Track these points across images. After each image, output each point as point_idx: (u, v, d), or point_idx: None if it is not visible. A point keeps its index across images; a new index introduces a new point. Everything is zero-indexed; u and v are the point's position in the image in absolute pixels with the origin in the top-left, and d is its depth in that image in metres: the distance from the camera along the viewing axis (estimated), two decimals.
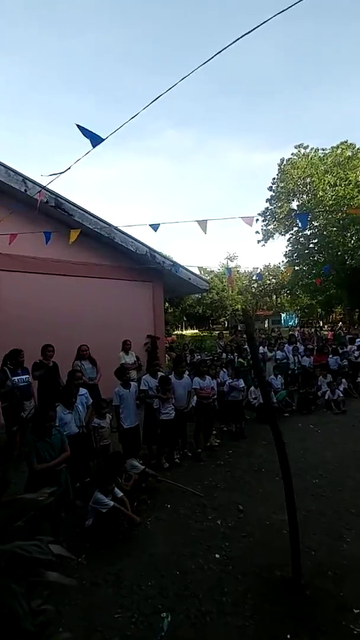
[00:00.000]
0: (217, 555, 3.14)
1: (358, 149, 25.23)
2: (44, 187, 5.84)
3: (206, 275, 42.84)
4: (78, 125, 2.95)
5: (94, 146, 3.03)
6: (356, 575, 2.83)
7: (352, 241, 24.11)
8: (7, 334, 6.46)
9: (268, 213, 28.50)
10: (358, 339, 11.43)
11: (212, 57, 2.66)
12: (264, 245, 30.05)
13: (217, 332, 17.89)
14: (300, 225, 27.00)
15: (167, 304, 38.26)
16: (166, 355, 9.86)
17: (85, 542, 3.34)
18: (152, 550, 3.25)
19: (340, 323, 24.80)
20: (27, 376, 5.23)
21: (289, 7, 2.32)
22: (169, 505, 3.99)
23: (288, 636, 2.33)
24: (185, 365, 5.96)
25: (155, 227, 4.94)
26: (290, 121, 69.11)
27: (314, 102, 64.06)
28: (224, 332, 16.12)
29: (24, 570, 1.30)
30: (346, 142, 25.52)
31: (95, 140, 3.03)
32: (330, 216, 23.45)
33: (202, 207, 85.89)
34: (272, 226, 28.56)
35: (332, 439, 5.85)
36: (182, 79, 2.85)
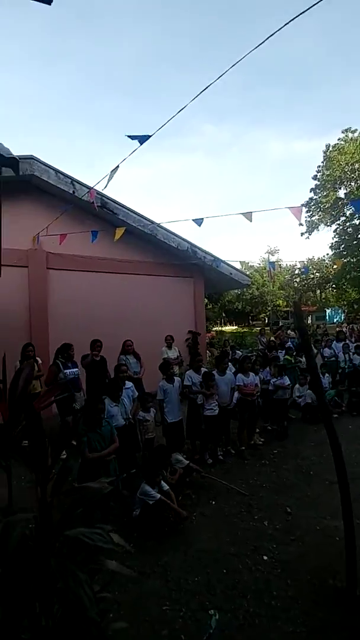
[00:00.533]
0: (265, 557, 3.06)
1: None
2: (91, 188, 6.04)
3: (247, 270, 41.96)
4: (128, 135, 3.03)
5: (141, 143, 3.08)
6: None
7: None
8: (57, 329, 6.83)
9: (313, 203, 27.13)
10: None
11: (252, 50, 2.57)
12: (308, 237, 28.76)
13: (258, 329, 17.46)
14: (351, 213, 25.44)
15: (206, 300, 38.15)
16: (207, 351, 9.81)
17: (133, 532, 3.41)
18: (198, 545, 3.25)
19: None
20: (77, 369, 5.48)
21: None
22: (213, 502, 3.97)
23: None
24: (228, 362, 5.88)
25: (199, 221, 4.91)
26: (334, 106, 64.95)
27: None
28: (265, 328, 15.64)
29: (85, 557, 1.31)
30: None
31: (143, 139, 3.09)
32: None
33: (242, 201, 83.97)
34: (316, 217, 27.18)
35: None
36: (223, 74, 2.80)
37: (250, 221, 4.51)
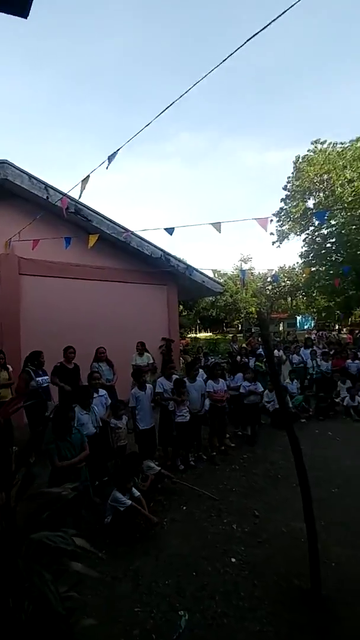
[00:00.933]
0: (233, 560, 3.15)
1: None
2: (64, 194, 6.02)
3: (220, 277, 42.69)
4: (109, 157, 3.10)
5: (110, 161, 3.16)
6: None
7: None
8: (29, 336, 6.69)
9: (283, 213, 28.18)
10: None
11: (225, 60, 2.73)
12: (279, 246, 29.77)
13: (231, 335, 17.82)
14: (316, 224, 26.66)
15: (181, 307, 38.40)
16: (181, 358, 9.92)
17: (105, 538, 3.42)
18: (169, 550, 3.30)
19: None
20: (47, 377, 5.39)
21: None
22: (184, 507, 4.03)
23: None
24: (199, 369, 5.99)
25: (170, 230, 5.02)
26: (305, 116, 68.06)
27: (331, 96, 62.77)
28: (238, 335, 15.96)
29: (50, 559, 1.40)
30: None
31: (111, 157, 3.19)
32: (349, 214, 22.94)
33: (217, 209, 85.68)
34: (287, 226, 28.22)
35: (352, 447, 5.70)
36: (195, 83, 2.94)
37: (220, 232, 4.68)
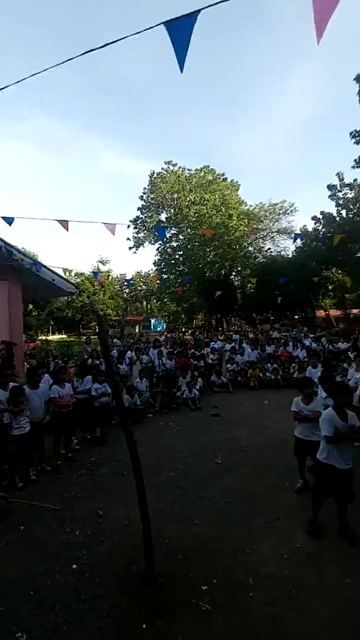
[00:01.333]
0: (74, 566, 3.09)
1: (217, 175, 29.22)
2: None
3: (76, 277, 41.03)
4: None
5: None
6: (203, 555, 3.19)
7: (211, 256, 27.62)
8: None
9: (139, 221, 29.69)
10: (212, 342, 13.16)
11: (82, 54, 2.70)
12: (135, 252, 31.10)
13: (84, 337, 17.30)
14: (170, 236, 29.25)
15: (30, 306, 34.66)
16: (25, 363, 8.97)
17: None
18: (3, 574, 2.99)
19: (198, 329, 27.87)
20: None
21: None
22: (22, 527, 3.69)
23: (144, 625, 2.47)
24: (43, 374, 5.60)
25: (9, 220, 4.50)
26: (164, 135, 73.55)
27: (187, 122, 69.85)
28: (93, 337, 15.67)
29: None
30: (208, 167, 29.22)
31: None
32: (193, 232, 26.18)
33: (71, 205, 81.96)
34: (142, 234, 29.86)
35: (189, 434, 6.51)
36: (54, 66, 2.80)
37: (67, 230, 4.52)
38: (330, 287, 25.86)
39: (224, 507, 3.97)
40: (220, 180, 29.27)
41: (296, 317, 27.15)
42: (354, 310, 29.56)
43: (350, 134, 14.41)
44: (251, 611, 2.57)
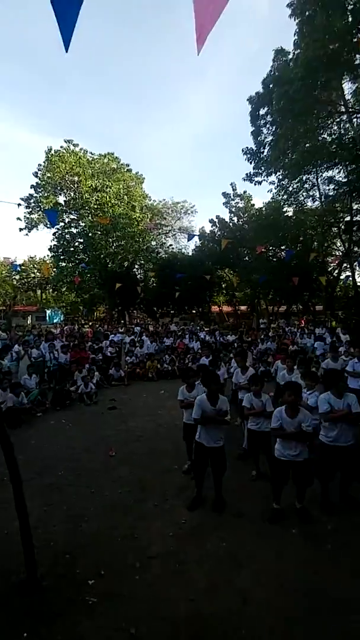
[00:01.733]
0: None
1: (121, 164, 28.45)
2: None
3: None
4: None
5: None
6: (90, 549, 3.13)
7: (113, 247, 26.93)
8: None
9: (33, 200, 26.75)
10: (112, 335, 12.97)
11: None
12: (27, 234, 28.04)
13: None
14: (69, 221, 27.28)
15: None
16: None
17: None
18: None
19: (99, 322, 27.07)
20: None
21: None
22: None
23: (25, 634, 2.31)
24: None
25: None
26: (65, 112, 67.22)
27: (92, 104, 65.44)
28: None
29: None
30: (113, 154, 28.15)
31: None
32: (95, 219, 25.02)
33: None
34: (36, 215, 27.02)
35: (84, 430, 6.28)
36: None
37: None
38: (223, 285, 28.34)
39: (114, 498, 3.99)
40: (125, 170, 28.62)
41: (194, 311, 28.89)
42: (242, 307, 33.20)
43: (242, 150, 15.86)
44: (136, 594, 2.66)
